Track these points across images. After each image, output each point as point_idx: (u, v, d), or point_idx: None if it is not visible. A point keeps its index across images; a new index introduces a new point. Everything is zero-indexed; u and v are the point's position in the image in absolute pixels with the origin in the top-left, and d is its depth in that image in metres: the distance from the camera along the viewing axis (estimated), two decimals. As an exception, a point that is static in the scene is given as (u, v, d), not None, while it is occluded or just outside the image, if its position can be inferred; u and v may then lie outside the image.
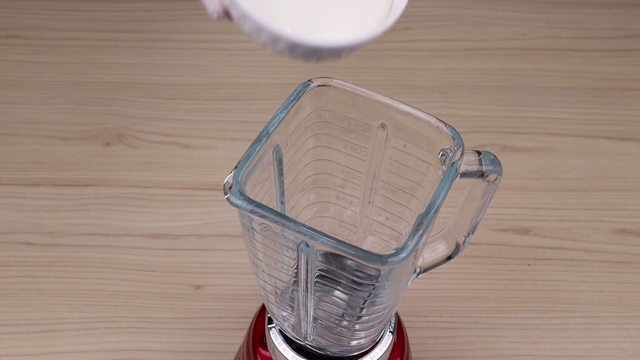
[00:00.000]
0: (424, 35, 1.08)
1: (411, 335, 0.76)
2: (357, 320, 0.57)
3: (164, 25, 1.08)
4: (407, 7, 0.47)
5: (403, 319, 0.71)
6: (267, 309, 0.62)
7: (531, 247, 0.87)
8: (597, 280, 0.85)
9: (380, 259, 0.49)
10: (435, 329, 0.81)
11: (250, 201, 0.50)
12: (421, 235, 0.50)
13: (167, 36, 1.06)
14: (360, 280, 0.53)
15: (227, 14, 0.47)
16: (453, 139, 0.54)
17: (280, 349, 0.62)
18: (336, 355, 0.61)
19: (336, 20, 0.46)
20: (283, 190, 0.59)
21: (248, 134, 0.95)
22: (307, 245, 0.51)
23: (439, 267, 0.63)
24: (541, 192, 0.92)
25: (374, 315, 0.57)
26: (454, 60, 1.05)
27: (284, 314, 0.60)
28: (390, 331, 0.63)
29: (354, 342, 0.60)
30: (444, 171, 0.54)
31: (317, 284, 0.54)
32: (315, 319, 0.57)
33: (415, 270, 0.62)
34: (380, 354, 0.62)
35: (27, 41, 1.05)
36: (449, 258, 0.63)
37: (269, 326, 0.63)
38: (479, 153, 0.56)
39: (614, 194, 0.92)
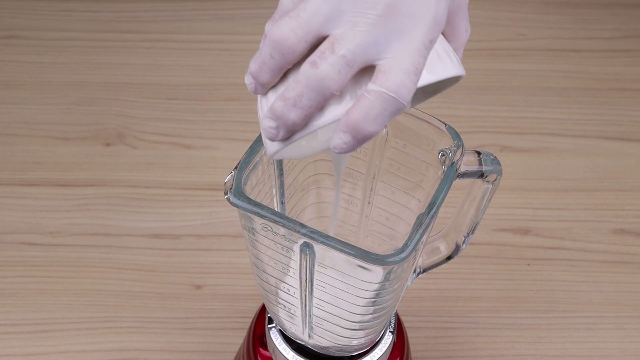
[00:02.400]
0: (423, 36, 1.08)
1: (411, 335, 0.76)
2: (357, 320, 0.57)
3: (164, 25, 1.08)
4: None
5: (403, 318, 0.71)
6: (267, 308, 0.62)
7: (531, 247, 0.87)
8: (597, 280, 0.85)
9: (380, 259, 0.49)
10: (435, 329, 0.81)
11: (250, 201, 0.50)
12: (421, 236, 0.50)
13: (167, 37, 1.07)
14: (361, 281, 0.53)
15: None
16: (453, 139, 0.54)
17: (280, 348, 0.62)
18: (336, 355, 0.61)
19: None
20: (283, 191, 0.59)
21: (248, 134, 0.95)
22: (307, 245, 0.51)
23: (438, 267, 0.63)
24: (541, 192, 0.92)
25: (374, 315, 0.57)
26: (453, 61, 1.05)
27: (284, 313, 0.60)
28: (390, 331, 0.63)
29: (354, 342, 0.60)
30: (443, 171, 0.54)
31: (317, 285, 0.54)
32: (315, 319, 0.58)
33: (415, 270, 0.62)
34: (380, 353, 0.62)
35: (28, 42, 1.05)
36: (448, 258, 0.63)
37: (269, 326, 0.63)
38: (478, 153, 0.56)
39: (614, 194, 0.92)
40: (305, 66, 0.43)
